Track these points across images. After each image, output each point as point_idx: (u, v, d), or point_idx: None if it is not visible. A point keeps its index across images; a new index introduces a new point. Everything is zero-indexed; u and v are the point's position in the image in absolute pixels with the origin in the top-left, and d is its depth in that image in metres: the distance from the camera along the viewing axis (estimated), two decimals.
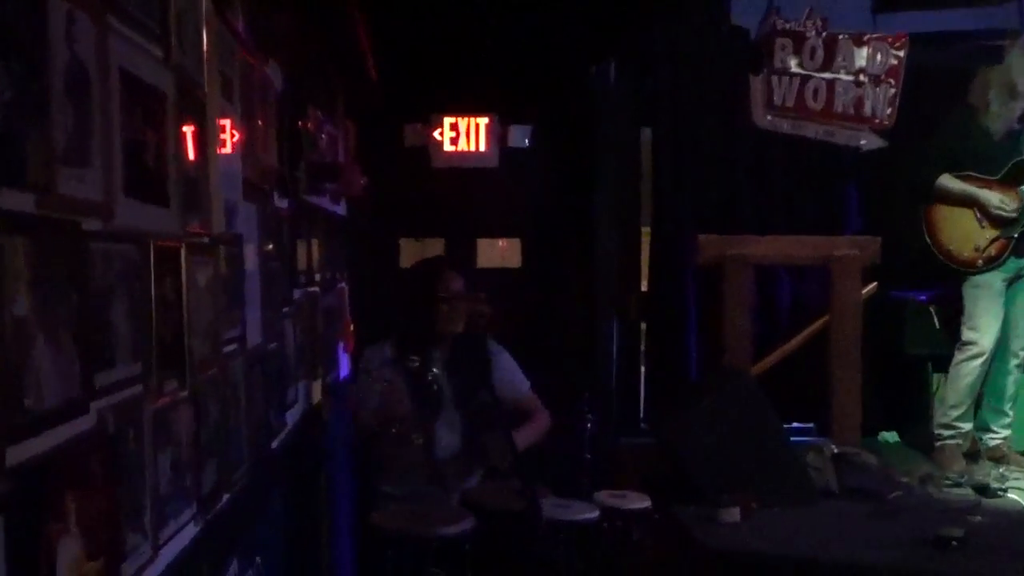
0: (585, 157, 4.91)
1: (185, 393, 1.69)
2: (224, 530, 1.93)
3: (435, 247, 4.96)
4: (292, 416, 2.93)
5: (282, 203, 2.82)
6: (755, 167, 4.93)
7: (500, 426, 2.89)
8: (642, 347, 5.04)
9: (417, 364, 2.85)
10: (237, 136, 2.14)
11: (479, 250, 5.05)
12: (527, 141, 4.92)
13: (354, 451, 3.41)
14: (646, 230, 5.04)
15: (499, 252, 5.19)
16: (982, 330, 4.21)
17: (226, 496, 1.96)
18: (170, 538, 1.57)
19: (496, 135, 4.84)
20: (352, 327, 4.37)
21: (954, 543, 3.14)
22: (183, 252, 1.68)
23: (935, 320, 4.60)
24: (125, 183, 1.38)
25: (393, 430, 2.68)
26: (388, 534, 2.66)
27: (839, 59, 4.62)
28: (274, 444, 2.59)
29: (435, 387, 2.87)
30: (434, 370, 2.87)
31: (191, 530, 1.70)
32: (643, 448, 4.38)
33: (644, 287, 5.06)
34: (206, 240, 1.87)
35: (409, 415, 2.81)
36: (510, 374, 3.12)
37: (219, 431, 1.93)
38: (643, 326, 5.05)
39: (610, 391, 4.82)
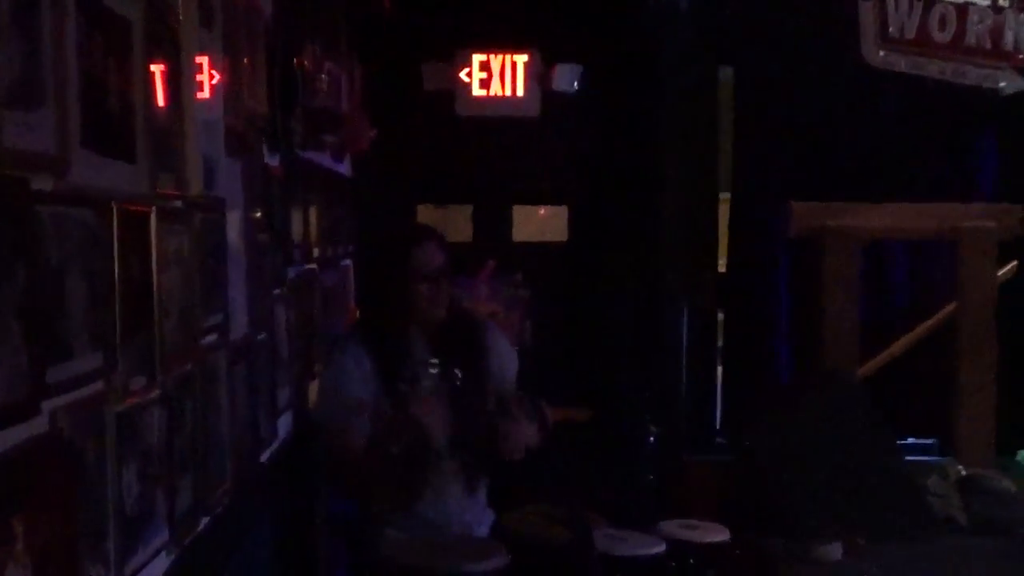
0: (647, 105, 4.87)
1: (155, 393, 1.70)
2: (202, 560, 1.94)
3: (460, 216, 4.96)
4: (284, 424, 2.95)
5: (273, 159, 2.83)
6: (864, 116, 4.86)
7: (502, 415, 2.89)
8: (719, 342, 5.00)
9: (437, 368, 2.84)
10: (218, 76, 2.15)
11: (515, 220, 5.04)
12: (575, 84, 4.89)
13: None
14: (725, 196, 4.99)
15: (540, 222, 5.17)
16: None
17: (205, 519, 1.98)
18: (139, 569, 1.59)
19: (537, 76, 4.82)
20: (357, 313, 4.40)
21: None
22: (152, 218, 1.69)
23: None
24: (82, 132, 1.39)
25: (395, 450, 2.64)
26: (401, 572, 2.66)
27: None
28: (263, 457, 2.62)
29: (456, 385, 2.86)
30: (432, 361, 2.86)
31: (163, 561, 1.72)
32: (720, 467, 4.35)
33: (722, 267, 5.02)
34: (180, 204, 1.88)
35: (435, 432, 2.78)
36: (507, 355, 3.11)
37: (197, 440, 1.95)
38: (720, 316, 5.01)
39: (678, 397, 4.79)
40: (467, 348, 2.91)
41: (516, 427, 2.81)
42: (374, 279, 3.03)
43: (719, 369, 5.03)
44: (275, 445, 2.77)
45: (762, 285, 4.87)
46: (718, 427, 4.99)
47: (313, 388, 3.42)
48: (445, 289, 2.87)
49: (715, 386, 5.03)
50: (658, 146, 4.85)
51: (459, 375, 2.86)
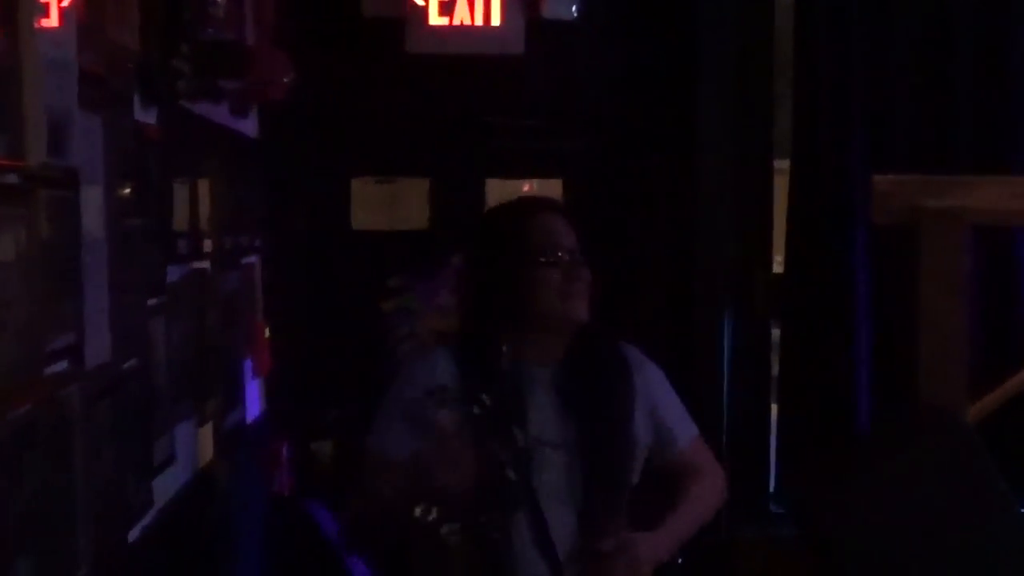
0: (674, 38, 4.88)
1: None
2: None
3: (413, 194, 4.95)
4: (164, 487, 2.94)
5: (148, 115, 2.82)
6: (976, 58, 4.88)
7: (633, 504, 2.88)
8: (774, 368, 5.01)
9: (481, 410, 2.78)
10: None
11: (489, 199, 5.02)
12: (574, 9, 4.89)
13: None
14: (781, 165, 5.00)
15: None
16: None
17: None
18: None
19: None
20: (267, 332, 4.39)
21: None
22: None
23: None
24: None
25: (419, 513, 2.59)
26: None
27: None
28: (133, 533, 2.60)
29: (524, 454, 2.79)
30: (524, 423, 2.78)
31: None
32: (776, 546, 4.37)
33: (778, 265, 5.03)
34: (14, 178, 1.88)
35: (464, 494, 2.70)
36: (667, 406, 3.08)
37: (38, 508, 1.94)
38: (776, 332, 5.02)
39: (717, 445, 4.79)
40: (605, 387, 2.88)
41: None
42: (481, 264, 2.95)
43: (774, 407, 5.04)
44: (149, 517, 2.76)
45: (833, 290, 4.88)
46: (773, 489, 4.99)
47: (206, 433, 3.42)
48: (584, 280, 2.85)
49: (768, 431, 5.03)
50: (689, 96, 4.86)
51: (578, 429, 2.83)
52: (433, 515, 2.54)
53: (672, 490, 3.00)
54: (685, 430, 3.08)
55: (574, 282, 2.80)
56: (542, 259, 2.77)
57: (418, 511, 2.52)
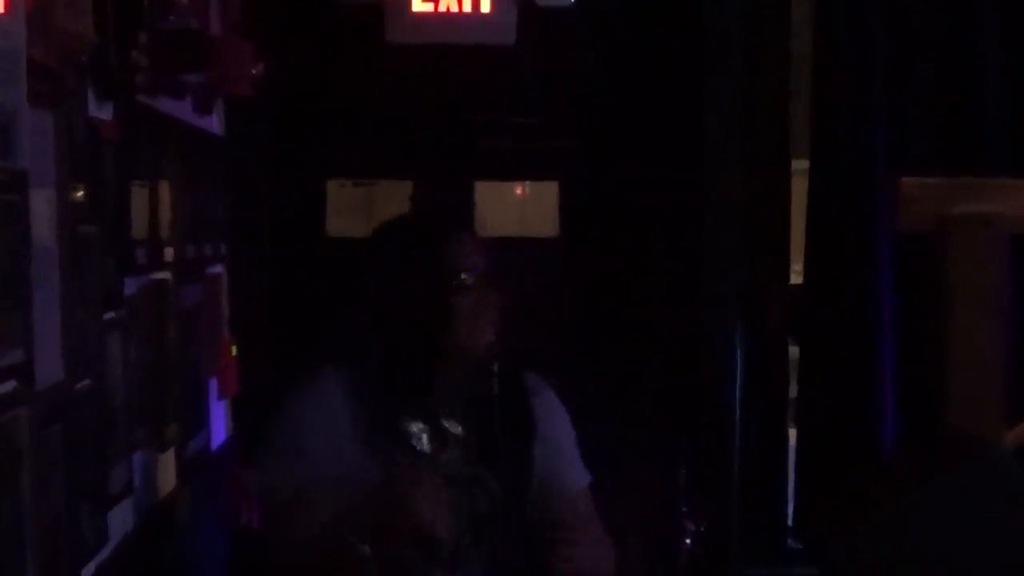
0: (682, 23, 4.88)
1: None
2: None
3: (394, 198, 4.95)
4: (120, 520, 2.93)
5: (104, 111, 2.82)
6: (1008, 50, 4.88)
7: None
8: (791, 390, 5.01)
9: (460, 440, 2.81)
10: None
11: (479, 203, 5.04)
12: None
13: None
14: (800, 166, 5.01)
15: (516, 208, 5.16)
16: None
17: None
18: None
19: None
20: (234, 349, 4.38)
21: None
22: None
23: None
24: None
25: (364, 553, 2.61)
26: None
27: None
28: (86, 571, 2.60)
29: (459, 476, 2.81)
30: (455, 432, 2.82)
31: None
32: None
33: (796, 276, 5.03)
34: None
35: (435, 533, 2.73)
36: (561, 445, 3.06)
37: None
38: (794, 350, 5.02)
39: (728, 475, 4.80)
40: (507, 417, 2.87)
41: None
42: (380, 289, 2.94)
43: (791, 432, 5.04)
44: (105, 553, 2.75)
45: (856, 303, 4.87)
46: (790, 523, 4.99)
47: (167, 461, 3.41)
48: (493, 305, 2.83)
49: (785, 459, 5.03)
50: (696, 90, 4.86)
51: (478, 458, 2.83)
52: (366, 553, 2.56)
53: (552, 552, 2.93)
54: (578, 476, 3.03)
55: (483, 308, 2.79)
56: (446, 285, 2.76)
57: (361, 549, 2.55)
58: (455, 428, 2.81)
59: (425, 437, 2.78)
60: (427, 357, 2.78)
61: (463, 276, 2.76)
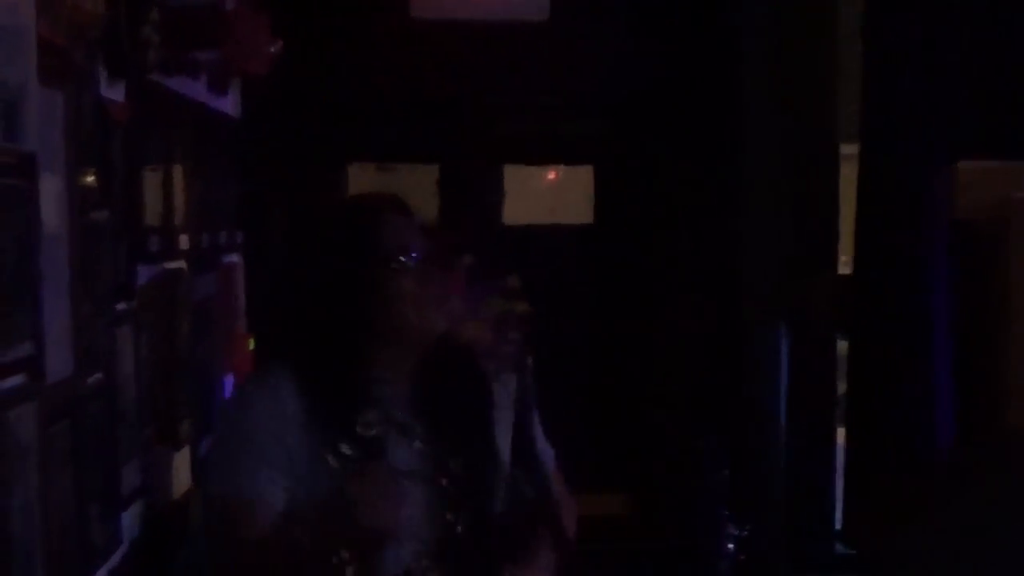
0: (722, 2, 4.88)
1: None
2: None
3: (420, 183, 4.95)
4: (132, 521, 2.94)
5: (115, 91, 2.82)
6: None
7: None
8: (840, 388, 5.01)
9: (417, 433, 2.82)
10: None
11: (509, 190, 5.04)
12: None
13: None
14: (849, 151, 5.00)
15: (547, 193, 5.17)
16: None
17: None
18: None
19: None
20: (251, 343, 4.38)
21: None
22: None
23: None
24: None
25: (337, 561, 2.64)
26: None
27: None
28: (99, 575, 2.63)
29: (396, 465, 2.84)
30: (404, 422, 2.84)
31: None
32: None
33: (844, 266, 5.03)
34: None
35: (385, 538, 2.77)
36: (530, 422, 3.08)
37: None
38: (842, 345, 5.01)
39: (773, 477, 4.80)
40: (465, 403, 2.88)
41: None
42: (314, 272, 2.97)
43: (840, 432, 5.03)
44: (117, 557, 2.75)
45: (909, 295, 4.87)
46: (839, 527, 4.99)
47: (180, 460, 3.41)
48: (437, 286, 2.84)
49: (833, 460, 5.03)
50: (738, 69, 4.85)
51: (442, 452, 2.84)
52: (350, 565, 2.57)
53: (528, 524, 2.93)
54: (549, 450, 3.03)
55: (428, 289, 2.79)
56: (392, 265, 2.76)
57: (337, 559, 2.54)
58: (405, 417, 2.81)
59: (374, 427, 2.78)
60: (368, 342, 2.77)
61: (401, 258, 2.76)
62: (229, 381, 4.13)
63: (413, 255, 2.75)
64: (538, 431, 3.06)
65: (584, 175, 4.99)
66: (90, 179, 2.59)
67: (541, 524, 2.84)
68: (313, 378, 2.72)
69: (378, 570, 2.69)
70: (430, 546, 2.77)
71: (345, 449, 2.71)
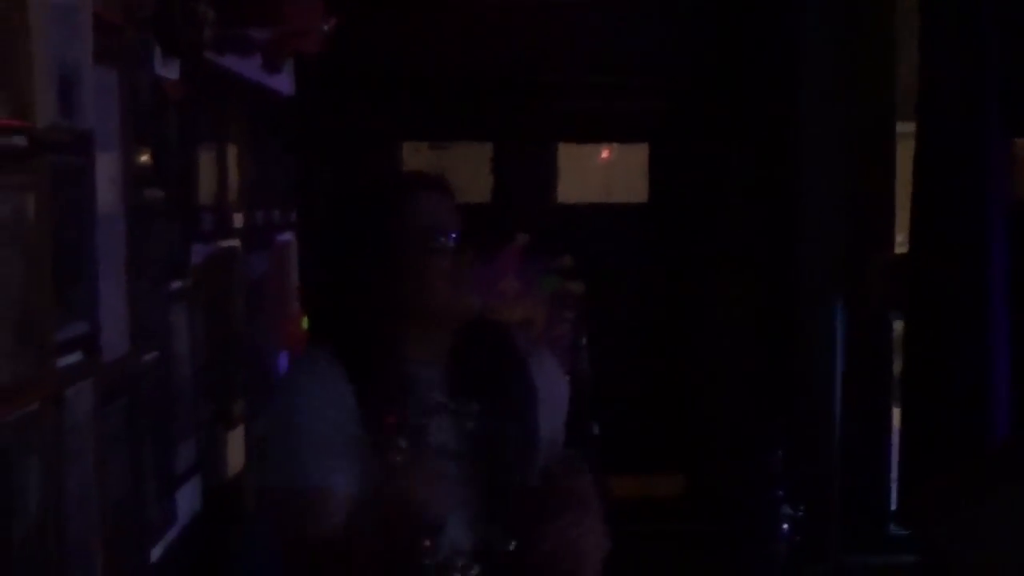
0: None
1: None
2: None
3: (473, 162, 4.95)
4: (187, 499, 2.96)
5: (169, 69, 2.83)
6: None
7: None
8: (896, 367, 4.98)
9: (453, 410, 2.81)
10: None
11: (562, 168, 5.03)
12: None
13: None
14: (906, 128, 4.97)
15: (602, 172, 5.15)
16: None
17: None
18: None
19: None
20: (304, 322, 4.39)
21: None
22: None
23: None
24: None
25: (429, 545, 2.64)
26: None
27: None
28: (155, 552, 2.63)
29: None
30: (440, 401, 2.83)
31: None
32: (893, 572, 4.34)
33: (900, 245, 5.00)
34: (19, 141, 1.88)
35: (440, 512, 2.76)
36: (562, 405, 3.06)
37: (45, 525, 1.95)
38: (897, 324, 4.99)
39: (828, 458, 4.77)
40: (500, 380, 2.87)
41: (564, 530, 2.80)
42: (347, 253, 2.96)
43: (895, 412, 5.01)
44: (172, 533, 2.77)
45: (966, 274, 4.83)
46: (894, 509, 4.97)
47: (234, 439, 3.43)
48: (471, 266, 2.83)
49: (889, 440, 5.01)
50: (794, 45, 4.82)
51: (484, 425, 2.83)
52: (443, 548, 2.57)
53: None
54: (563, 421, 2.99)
55: (464, 269, 2.74)
56: (428, 244, 2.73)
57: (428, 543, 2.55)
58: (442, 397, 2.81)
59: (416, 410, 2.77)
60: (404, 323, 2.74)
61: (438, 238, 2.73)
62: (283, 360, 4.14)
63: (450, 235, 2.74)
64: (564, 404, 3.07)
65: (639, 153, 4.96)
66: (145, 157, 2.60)
67: (592, 501, 2.85)
68: (355, 361, 2.73)
69: (426, 553, 2.71)
70: (470, 525, 2.78)
71: (391, 433, 2.70)
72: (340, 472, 2.64)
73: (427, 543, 2.58)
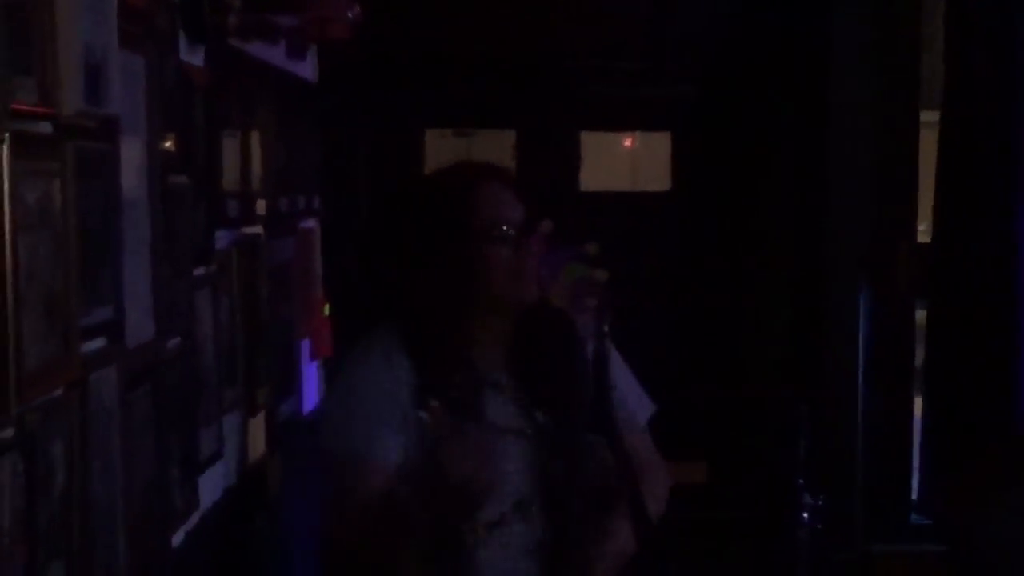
0: None
1: (5, 433, 1.72)
2: None
3: (495, 149, 4.94)
4: (211, 485, 2.96)
5: (195, 56, 2.83)
6: None
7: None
8: (919, 356, 4.97)
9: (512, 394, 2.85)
10: None
11: (585, 156, 5.02)
12: None
13: None
14: (930, 117, 4.95)
15: (626, 160, 5.13)
16: None
17: None
18: None
19: None
20: (328, 308, 4.39)
21: None
22: (2, 150, 1.70)
23: None
24: None
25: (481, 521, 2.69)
26: None
27: None
28: (176, 538, 2.63)
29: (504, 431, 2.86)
30: (497, 386, 2.86)
31: None
32: (921, 564, 4.33)
33: (923, 234, 4.99)
34: (46, 127, 1.89)
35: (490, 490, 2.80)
36: (625, 382, 3.10)
37: (71, 508, 1.96)
38: (921, 313, 4.97)
39: (851, 446, 4.77)
40: (558, 362, 2.89)
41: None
42: (414, 241, 3.00)
43: (918, 401, 5.00)
44: (195, 518, 2.78)
45: (990, 263, 4.82)
46: (916, 498, 4.96)
47: (257, 425, 3.43)
48: (534, 257, 2.86)
49: (911, 429, 5.00)
50: (821, 35, 4.80)
51: (542, 414, 2.85)
52: (496, 519, 2.61)
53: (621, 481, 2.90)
54: (644, 409, 3.08)
55: (525, 259, 2.80)
56: (491, 235, 2.78)
57: (481, 517, 2.58)
58: (500, 376, 2.83)
59: (470, 388, 2.80)
60: (467, 309, 2.81)
61: (504, 227, 2.78)
62: (306, 347, 4.14)
63: (513, 225, 2.79)
64: (632, 384, 3.07)
65: (662, 141, 4.95)
66: (170, 144, 2.61)
67: (618, 496, 2.86)
68: (419, 343, 2.79)
69: (477, 522, 2.74)
70: (525, 498, 2.81)
71: (444, 409, 2.74)
72: (392, 444, 2.71)
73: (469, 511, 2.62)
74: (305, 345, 4.14)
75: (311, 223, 4.34)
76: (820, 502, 4.23)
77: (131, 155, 2.33)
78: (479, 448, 2.67)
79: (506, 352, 2.85)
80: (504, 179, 2.91)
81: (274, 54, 3.67)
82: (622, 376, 3.04)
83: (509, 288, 2.80)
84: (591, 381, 2.91)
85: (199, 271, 2.87)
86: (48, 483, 1.88)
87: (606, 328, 2.86)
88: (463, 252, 2.77)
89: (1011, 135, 4.72)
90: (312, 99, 4.33)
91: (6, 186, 1.71)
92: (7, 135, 1.71)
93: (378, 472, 2.69)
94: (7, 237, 1.71)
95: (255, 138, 3.47)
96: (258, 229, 3.51)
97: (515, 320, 2.85)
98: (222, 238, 3.10)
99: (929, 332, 4.96)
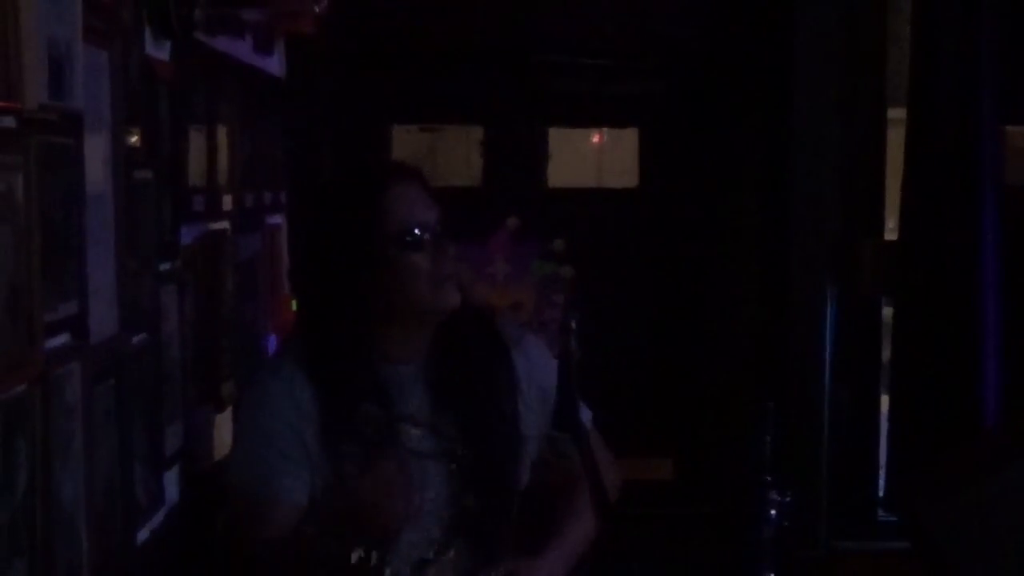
0: None
1: None
2: None
3: (463, 145, 4.94)
4: (175, 481, 2.96)
5: (160, 50, 2.82)
6: None
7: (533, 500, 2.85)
8: (885, 354, 4.98)
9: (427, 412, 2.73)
10: None
11: (553, 151, 5.02)
12: None
13: None
14: (896, 115, 4.96)
15: (592, 156, 5.13)
16: None
17: None
18: None
19: None
20: (294, 304, 4.38)
21: None
22: None
23: None
24: None
25: (357, 560, 2.57)
26: None
27: None
28: (142, 534, 2.62)
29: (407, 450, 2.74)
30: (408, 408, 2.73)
31: None
32: (885, 562, 4.34)
33: (890, 231, 4.99)
34: (8, 121, 1.88)
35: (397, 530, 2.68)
36: (546, 388, 2.96)
37: (34, 505, 1.95)
38: (887, 311, 4.98)
39: (818, 443, 4.78)
40: (483, 374, 2.78)
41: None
42: (319, 251, 2.85)
43: (884, 399, 5.01)
44: (159, 515, 2.77)
45: (957, 261, 4.82)
46: (882, 495, 4.97)
47: (223, 421, 3.42)
48: (452, 260, 2.73)
49: (877, 427, 5.01)
50: (786, 31, 4.81)
51: (457, 432, 2.76)
52: (374, 559, 2.50)
53: (561, 491, 2.89)
54: (585, 412, 2.86)
55: (443, 265, 2.68)
56: (403, 240, 2.66)
57: (355, 556, 2.47)
58: (416, 398, 2.74)
59: (382, 415, 2.70)
60: (378, 321, 2.70)
61: (416, 231, 2.67)
62: (272, 342, 4.13)
63: (427, 229, 2.67)
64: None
65: (630, 137, 4.95)
66: (135, 138, 2.59)
67: (581, 484, 2.79)
68: (321, 365, 2.67)
69: (394, 554, 2.66)
70: (447, 526, 2.74)
71: (356, 439, 2.64)
72: (292, 480, 2.62)
73: (372, 553, 2.53)
74: (272, 340, 4.13)
75: (278, 219, 4.33)
76: (788, 498, 4.24)
77: (95, 150, 2.32)
78: (394, 481, 2.53)
79: (424, 369, 2.74)
80: (416, 178, 2.78)
81: (241, 49, 3.66)
82: (545, 368, 2.92)
83: (425, 297, 2.67)
84: (514, 392, 2.83)
85: (164, 266, 2.86)
86: (10, 480, 1.86)
87: (573, 324, 2.82)
88: (372, 260, 2.65)
89: (978, 133, 4.72)
90: (279, 94, 4.32)
91: None
92: None
93: (280, 515, 2.60)
94: None
95: (221, 133, 3.45)
96: (224, 224, 3.50)
97: (433, 332, 2.74)
98: (188, 233, 3.09)
99: (895, 329, 4.97)
